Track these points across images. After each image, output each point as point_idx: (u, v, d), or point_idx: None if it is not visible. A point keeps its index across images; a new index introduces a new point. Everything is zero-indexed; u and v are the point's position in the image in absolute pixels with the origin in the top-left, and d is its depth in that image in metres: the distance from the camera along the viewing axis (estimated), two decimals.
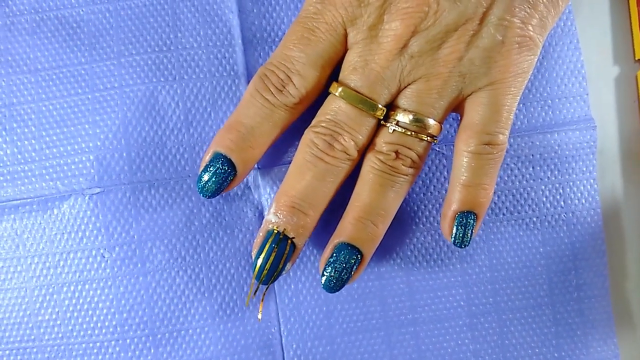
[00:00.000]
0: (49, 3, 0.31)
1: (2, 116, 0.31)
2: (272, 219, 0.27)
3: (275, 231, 0.27)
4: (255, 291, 0.29)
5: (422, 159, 0.28)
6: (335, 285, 0.27)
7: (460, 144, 0.28)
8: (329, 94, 0.28)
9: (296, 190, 0.27)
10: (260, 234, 0.28)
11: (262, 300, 0.30)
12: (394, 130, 0.27)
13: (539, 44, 0.27)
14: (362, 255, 0.28)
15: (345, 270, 0.27)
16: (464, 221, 0.28)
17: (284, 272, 0.28)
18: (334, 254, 0.27)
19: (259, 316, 0.30)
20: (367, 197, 0.27)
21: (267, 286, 0.28)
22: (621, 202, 0.32)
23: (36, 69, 0.31)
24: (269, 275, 0.27)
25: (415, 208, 0.31)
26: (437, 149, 0.31)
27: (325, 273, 0.27)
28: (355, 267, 0.27)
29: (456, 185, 0.28)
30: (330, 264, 0.27)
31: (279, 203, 0.27)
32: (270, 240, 0.27)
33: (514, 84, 0.27)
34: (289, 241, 0.27)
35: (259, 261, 0.27)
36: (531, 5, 0.27)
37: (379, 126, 0.28)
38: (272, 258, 0.27)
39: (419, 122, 0.27)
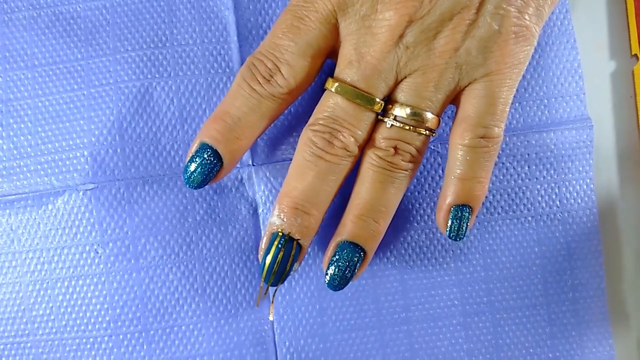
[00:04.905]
0: None
1: None
2: (276, 221, 0.27)
3: (280, 234, 0.27)
4: (265, 292, 0.29)
5: (421, 153, 0.28)
6: (339, 283, 0.27)
7: (455, 137, 0.27)
8: (325, 90, 0.28)
9: (298, 191, 0.27)
10: (265, 237, 0.27)
11: (272, 301, 0.30)
12: (392, 125, 0.27)
13: (536, 34, 0.27)
14: (364, 253, 0.27)
15: (348, 269, 0.27)
16: (459, 214, 0.27)
17: (292, 272, 0.28)
18: (337, 253, 0.27)
19: (270, 317, 0.30)
20: (367, 194, 0.27)
21: (276, 287, 0.28)
22: (617, 201, 0.32)
23: (33, 65, 0.31)
24: (277, 277, 0.27)
25: (410, 206, 0.31)
26: (432, 147, 0.31)
27: (328, 272, 0.27)
28: (358, 264, 0.27)
29: (451, 178, 0.27)
30: (334, 263, 0.27)
31: (282, 205, 0.27)
32: (275, 242, 0.27)
33: (510, 76, 0.27)
34: (295, 242, 0.27)
35: (267, 263, 0.27)
36: None
37: (377, 121, 0.27)
38: (279, 260, 0.27)
39: (416, 116, 0.27)
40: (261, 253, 0.27)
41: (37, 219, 0.31)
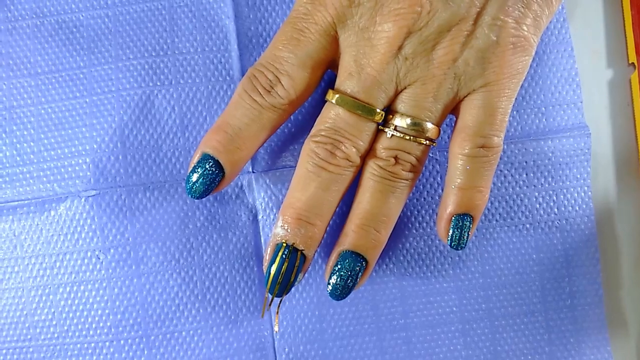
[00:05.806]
0: (50, 8, 0.32)
1: (2, 118, 0.31)
2: (280, 232, 0.27)
3: (285, 245, 0.27)
4: (270, 303, 0.29)
5: (422, 163, 0.28)
6: (341, 293, 0.28)
7: (455, 146, 0.27)
8: (325, 101, 0.28)
9: (301, 202, 0.27)
10: (270, 248, 0.28)
11: (277, 312, 0.30)
12: (392, 135, 0.27)
13: (534, 44, 0.27)
14: (366, 262, 0.28)
15: (350, 278, 0.27)
16: (460, 223, 0.28)
17: (296, 283, 0.28)
18: (339, 262, 0.28)
19: (276, 328, 0.30)
20: (368, 204, 0.27)
21: (281, 298, 0.28)
22: (615, 208, 0.32)
23: (36, 72, 0.32)
24: (282, 288, 0.27)
25: (409, 213, 0.31)
26: (430, 155, 0.31)
27: (330, 281, 0.28)
28: (360, 273, 0.28)
29: (451, 187, 0.28)
30: (335, 272, 0.28)
31: (285, 216, 0.27)
32: (280, 253, 0.27)
33: (509, 86, 0.27)
34: (299, 253, 0.27)
35: (271, 274, 0.27)
36: (525, 4, 0.26)
37: (378, 131, 0.28)
38: (283, 270, 0.27)
39: (416, 126, 0.27)
40: (265, 264, 0.28)
41: (39, 225, 0.31)
